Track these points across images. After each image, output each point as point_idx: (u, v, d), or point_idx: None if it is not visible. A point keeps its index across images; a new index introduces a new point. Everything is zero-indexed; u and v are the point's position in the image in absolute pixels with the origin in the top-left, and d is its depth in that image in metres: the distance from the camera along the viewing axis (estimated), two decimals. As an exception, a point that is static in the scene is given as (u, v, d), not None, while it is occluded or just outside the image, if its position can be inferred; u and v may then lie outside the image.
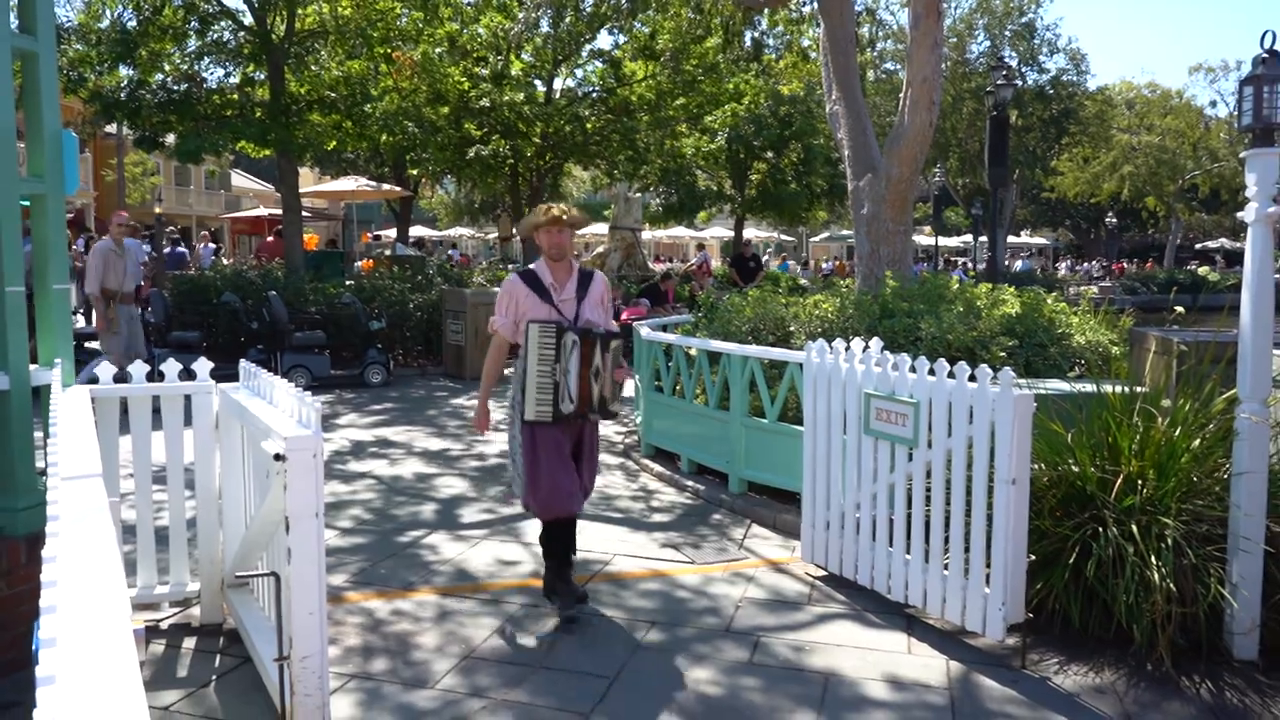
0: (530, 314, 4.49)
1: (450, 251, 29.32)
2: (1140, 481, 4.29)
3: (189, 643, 4.29)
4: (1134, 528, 4.06)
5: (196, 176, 43.46)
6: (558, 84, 18.25)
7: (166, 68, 14.53)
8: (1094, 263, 48.49)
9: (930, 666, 4.07)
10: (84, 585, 1.57)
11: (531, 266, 4.65)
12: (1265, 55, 4.08)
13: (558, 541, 4.61)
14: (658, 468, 7.54)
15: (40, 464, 4.17)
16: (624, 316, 14.45)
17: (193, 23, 14.13)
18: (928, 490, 4.44)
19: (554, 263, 4.62)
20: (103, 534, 1.91)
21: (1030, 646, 4.15)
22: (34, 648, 1.79)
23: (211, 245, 20.81)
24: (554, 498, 4.45)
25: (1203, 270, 38.51)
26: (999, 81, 16.99)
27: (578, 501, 4.57)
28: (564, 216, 4.58)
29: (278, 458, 3.11)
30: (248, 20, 14.31)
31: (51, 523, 1.93)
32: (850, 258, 42.49)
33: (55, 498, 2.12)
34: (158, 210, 26.15)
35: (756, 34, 19.39)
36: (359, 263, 22.20)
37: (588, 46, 17.85)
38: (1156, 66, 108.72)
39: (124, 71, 14.29)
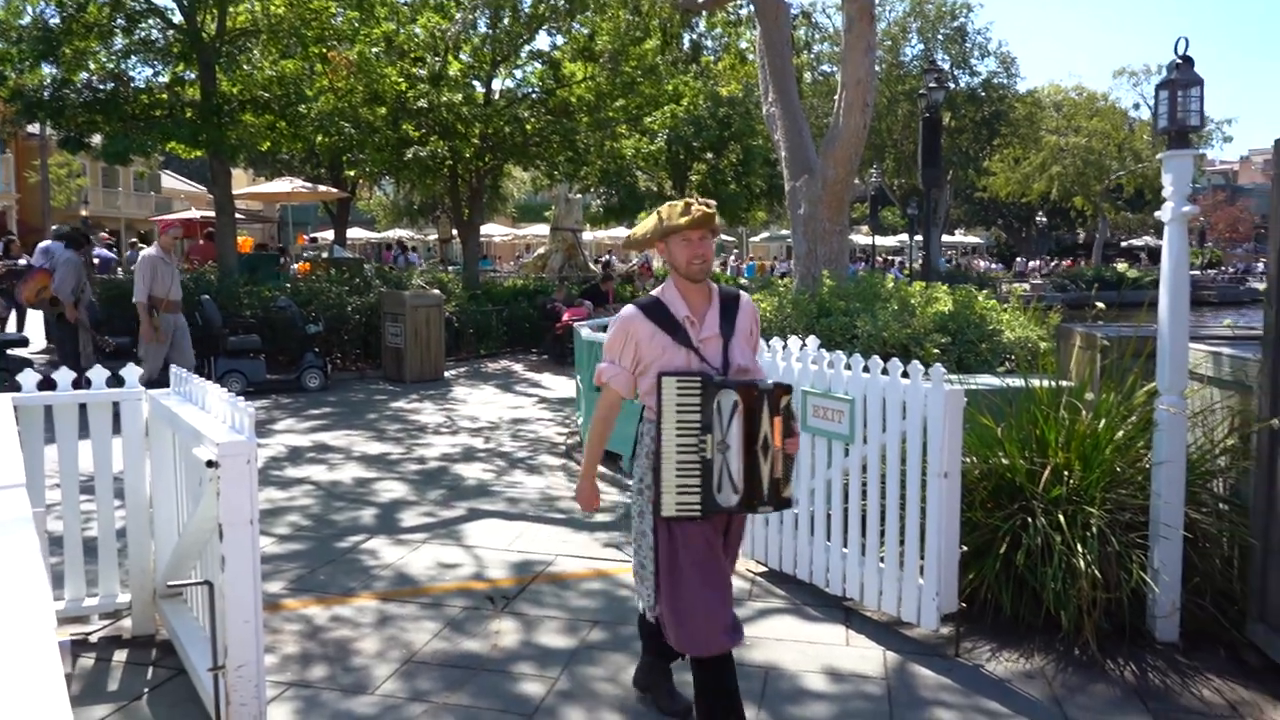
0: (660, 362, 3.21)
1: (411, 256, 28.29)
2: (1067, 472, 4.42)
3: (120, 655, 4.19)
4: (1061, 517, 4.19)
5: (125, 178, 42.34)
6: (496, 85, 18.14)
7: (92, 66, 14.12)
8: (1036, 261, 49.66)
9: (867, 658, 4.15)
10: (4, 598, 1.54)
11: (655, 294, 3.35)
12: (1179, 61, 4.23)
13: (710, 679, 3.28)
14: (600, 468, 7.54)
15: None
16: (565, 317, 14.45)
17: (119, 20, 13.76)
18: (864, 485, 4.53)
19: (691, 286, 3.27)
20: (25, 545, 1.87)
21: (964, 635, 4.26)
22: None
23: (104, 251, 19.75)
24: (707, 631, 3.18)
25: (1123, 267, 39.67)
26: (931, 84, 17.32)
27: (739, 631, 3.28)
28: (713, 216, 3.26)
29: (210, 464, 3.06)
30: (177, 18, 13.98)
31: (-29, 534, 1.88)
32: (788, 257, 43.00)
33: (-25, 508, 2.06)
34: (84, 213, 25.42)
35: (695, 36, 19.51)
36: (295, 265, 21.85)
37: (526, 47, 17.77)
38: (1083, 70, 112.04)
39: (47, 70, 13.86)
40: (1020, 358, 6.77)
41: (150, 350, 9.16)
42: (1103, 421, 4.55)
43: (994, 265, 49.14)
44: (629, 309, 3.33)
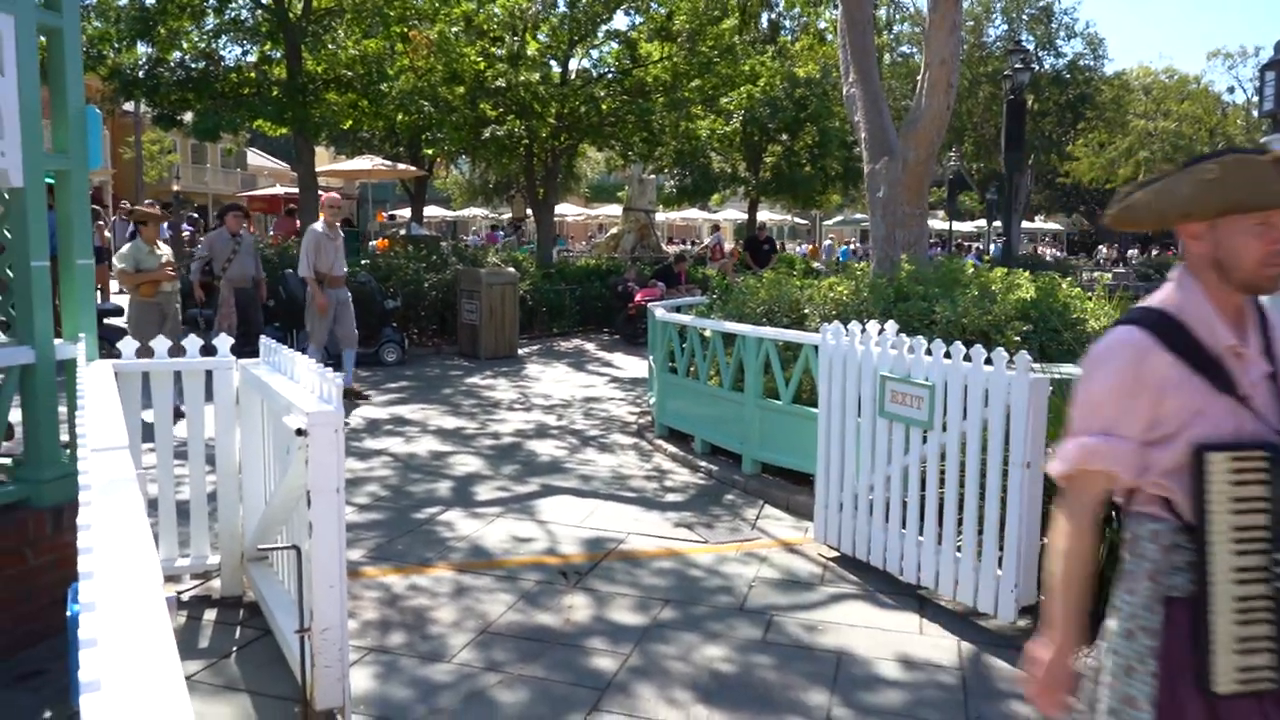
0: (1198, 425, 1.89)
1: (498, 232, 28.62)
2: (1154, 466, 4.28)
3: (210, 614, 4.35)
4: (1147, 512, 4.07)
5: (213, 155, 43.60)
6: (573, 65, 18.19)
7: (184, 45, 14.56)
8: (1106, 249, 48.13)
9: (941, 647, 4.10)
10: (118, 553, 1.61)
11: (1159, 305, 1.97)
12: (1289, 39, 4.04)
13: None
14: (671, 448, 7.58)
15: (63, 437, 4.24)
16: (638, 298, 14.48)
17: (210, 0, 14.13)
18: (941, 473, 4.47)
19: (1231, 296, 1.94)
20: (133, 504, 1.95)
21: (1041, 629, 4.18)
22: (70, 613, 1.84)
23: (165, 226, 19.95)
24: None
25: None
26: (1016, 65, 16.87)
27: None
28: None
29: (300, 432, 3.15)
30: (265, -2, 14.31)
31: (84, 492, 1.97)
32: (864, 241, 42.37)
33: (86, 468, 2.17)
34: (176, 188, 26.24)
35: (773, 15, 19.29)
36: (374, 242, 22.26)
37: (604, 27, 17.77)
38: (1174, 52, 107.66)
39: (142, 49, 14.32)
40: (1106, 348, 6.57)
41: (316, 323, 9.29)
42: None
43: (1060, 254, 47.66)
44: (1125, 333, 1.95)
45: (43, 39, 4.09)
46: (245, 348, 9.26)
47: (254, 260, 10.11)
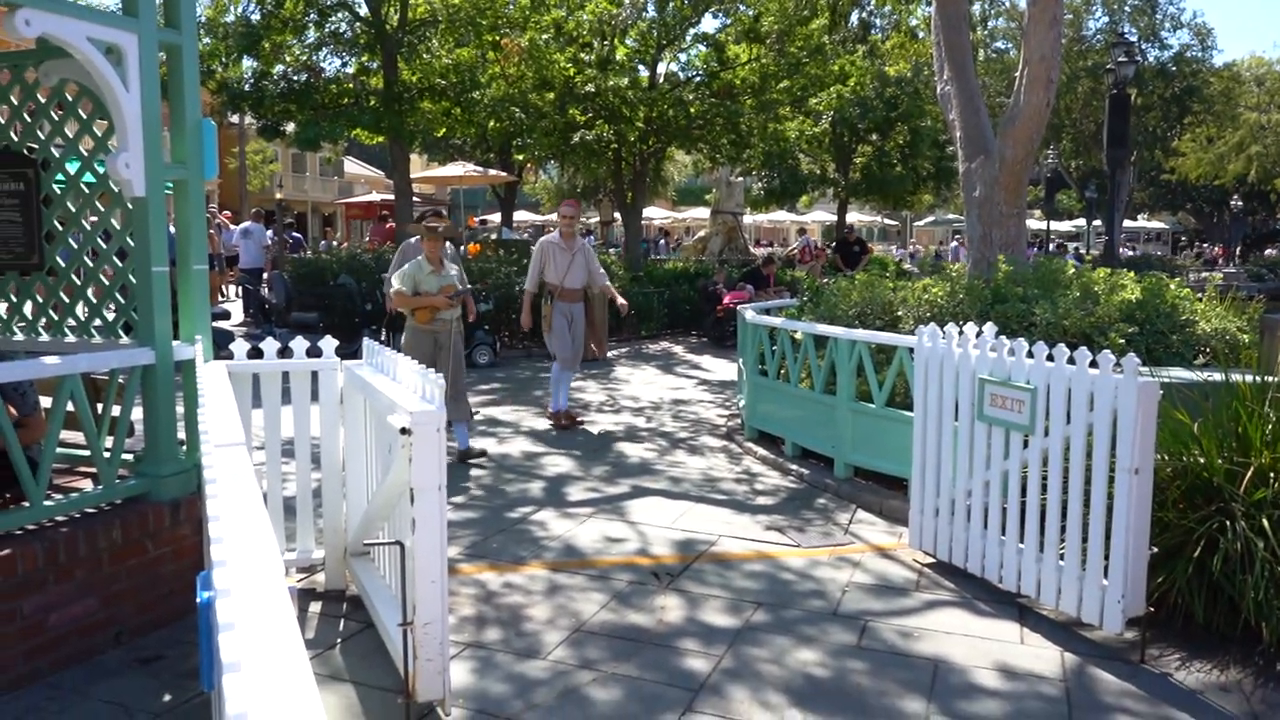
0: None
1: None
2: (1272, 474, 4.11)
3: (314, 607, 4.51)
4: (1265, 522, 3.91)
5: (312, 163, 45.04)
6: (661, 68, 18.27)
7: (287, 59, 15.09)
8: (1211, 247, 45.95)
9: (1043, 657, 4.00)
10: (246, 543, 1.69)
11: None
12: None
13: None
14: (761, 451, 7.55)
15: (180, 435, 4.44)
16: (727, 300, 14.44)
17: (312, 14, 14.64)
18: (1043, 478, 4.35)
19: None
20: (254, 497, 2.05)
21: (1150, 641, 4.04)
22: (201, 600, 1.93)
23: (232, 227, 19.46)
24: None
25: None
26: (1119, 59, 16.30)
27: None
28: None
29: (404, 431, 3.24)
30: (363, 11, 14.75)
31: (209, 485, 2.08)
32: (953, 240, 41.39)
33: (210, 463, 2.28)
34: (279, 196, 27.19)
35: (863, 14, 19.05)
36: (465, 246, 22.69)
37: (692, 30, 17.81)
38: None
39: (247, 63, 14.90)
40: (1218, 350, 6.32)
41: (551, 339, 8.55)
42: (1316, 421, 4.21)
43: (1156, 253, 45.63)
44: None
45: (162, 55, 4.30)
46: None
47: (457, 274, 8.95)
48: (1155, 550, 4.03)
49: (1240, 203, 47.85)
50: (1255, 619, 3.85)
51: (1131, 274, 7.36)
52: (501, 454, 7.53)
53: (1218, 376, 4.76)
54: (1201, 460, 4.27)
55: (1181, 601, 4.08)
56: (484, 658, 3.97)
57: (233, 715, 1.00)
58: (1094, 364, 4.12)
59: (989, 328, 4.96)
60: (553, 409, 8.66)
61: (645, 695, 3.65)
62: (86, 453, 4.33)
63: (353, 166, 50.03)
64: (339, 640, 4.13)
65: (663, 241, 36.17)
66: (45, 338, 4.75)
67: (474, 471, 6.98)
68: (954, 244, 37.18)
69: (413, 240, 8.76)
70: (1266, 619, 3.81)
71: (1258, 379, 4.54)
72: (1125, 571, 3.96)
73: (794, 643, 4.12)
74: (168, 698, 3.58)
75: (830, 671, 3.86)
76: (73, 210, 4.71)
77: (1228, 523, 4.02)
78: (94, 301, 4.65)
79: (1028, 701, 3.63)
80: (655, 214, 40.40)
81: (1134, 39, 30.74)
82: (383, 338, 11.16)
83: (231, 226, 18.73)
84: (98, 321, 4.65)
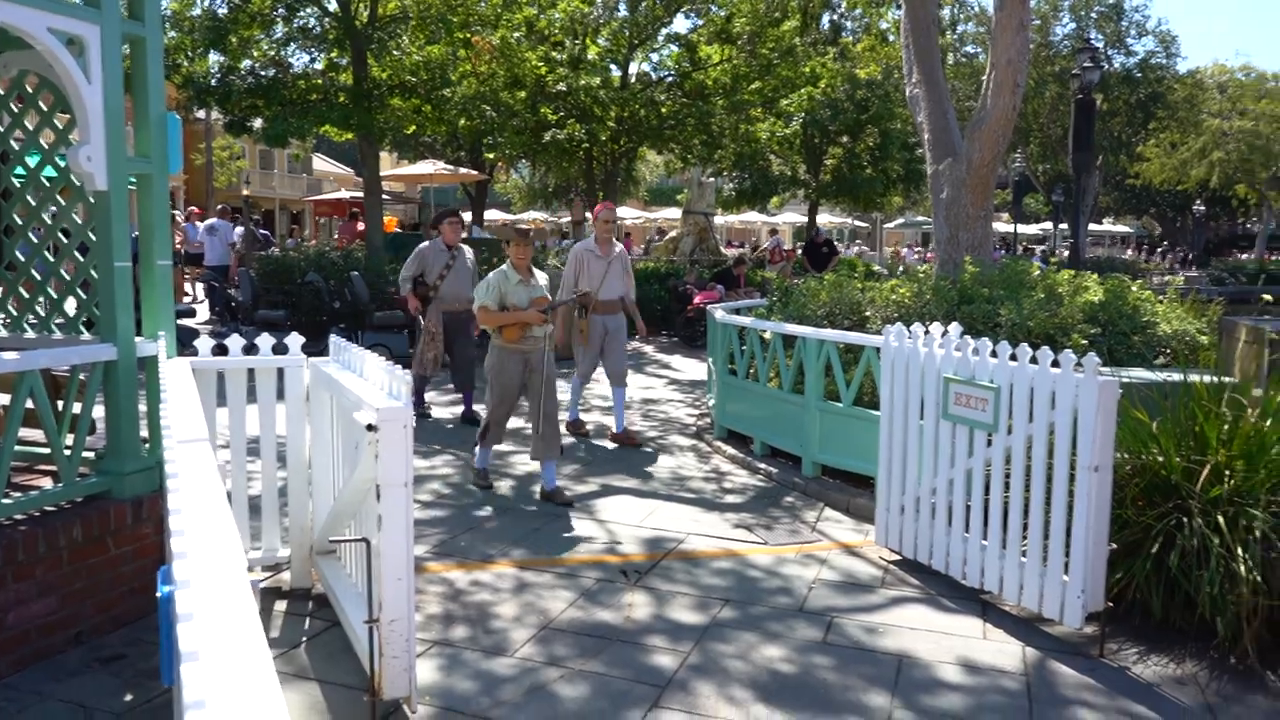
0: None
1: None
2: (1228, 472, 4.19)
3: (280, 605, 4.47)
4: (1220, 519, 3.98)
5: (280, 160, 44.59)
6: (633, 68, 18.30)
7: (255, 54, 14.94)
8: (1165, 250, 46.64)
9: (1006, 652, 4.05)
10: (206, 536, 1.69)
11: None
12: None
13: None
14: (730, 450, 7.58)
15: (142, 432, 4.39)
16: (697, 300, 14.48)
17: (280, 9, 14.49)
18: (1006, 476, 4.41)
19: None
20: (217, 492, 2.04)
21: (1109, 636, 4.11)
22: (161, 595, 1.92)
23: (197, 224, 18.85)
24: None
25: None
26: (1085, 64, 16.50)
27: None
28: None
29: (370, 428, 3.23)
30: (332, 6, 14.63)
31: (171, 480, 2.06)
32: (922, 244, 41.81)
33: (172, 458, 2.26)
34: (246, 193, 26.91)
35: (834, 17, 19.16)
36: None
37: (664, 31, 17.86)
38: (1252, 48, 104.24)
39: (214, 58, 14.73)
40: (1177, 351, 6.43)
41: (579, 353, 8.11)
42: (1270, 420, 4.30)
43: (1136, 254, 46.37)
44: None
45: (126, 48, 4.25)
46: (458, 386, 8.09)
47: (471, 280, 8.41)
48: (1114, 547, 4.09)
49: (1203, 207, 48.67)
50: (1210, 613, 3.92)
51: (1095, 276, 7.47)
52: (471, 452, 7.50)
53: (1177, 377, 4.85)
54: (1160, 458, 4.35)
55: (1140, 597, 4.16)
56: (451, 655, 3.96)
57: (190, 703, 1.00)
58: (1056, 364, 4.19)
59: (954, 328, 5.02)
60: (571, 418, 8.30)
61: (612, 692, 3.66)
62: (47, 450, 4.27)
63: (321, 164, 49.57)
64: (304, 638, 4.10)
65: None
66: (4, 333, 4.68)
67: (443, 470, 6.96)
68: (905, 249, 37.70)
69: (425, 244, 8.65)
70: (1221, 613, 3.88)
71: (1215, 379, 4.62)
72: (1085, 567, 4.02)
73: (760, 639, 4.14)
74: (129, 697, 3.54)
75: (796, 667, 3.89)
76: (33, 204, 4.64)
77: (1185, 519, 4.09)
78: (55, 297, 4.59)
79: (990, 695, 3.68)
80: (627, 213, 40.38)
81: (1100, 45, 31.21)
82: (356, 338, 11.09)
83: (199, 224, 18.48)
84: (59, 318, 4.59)
